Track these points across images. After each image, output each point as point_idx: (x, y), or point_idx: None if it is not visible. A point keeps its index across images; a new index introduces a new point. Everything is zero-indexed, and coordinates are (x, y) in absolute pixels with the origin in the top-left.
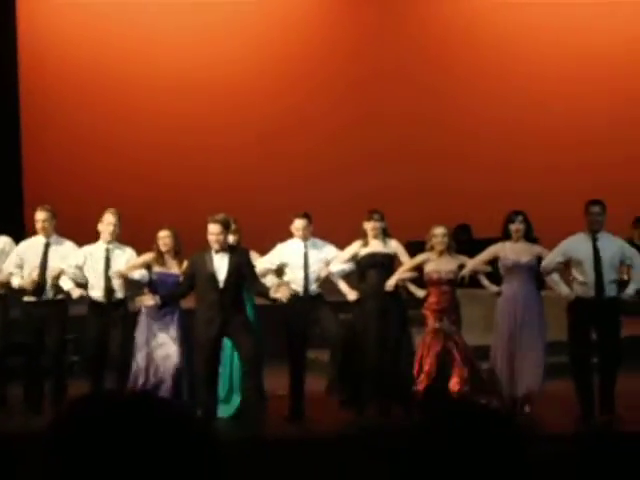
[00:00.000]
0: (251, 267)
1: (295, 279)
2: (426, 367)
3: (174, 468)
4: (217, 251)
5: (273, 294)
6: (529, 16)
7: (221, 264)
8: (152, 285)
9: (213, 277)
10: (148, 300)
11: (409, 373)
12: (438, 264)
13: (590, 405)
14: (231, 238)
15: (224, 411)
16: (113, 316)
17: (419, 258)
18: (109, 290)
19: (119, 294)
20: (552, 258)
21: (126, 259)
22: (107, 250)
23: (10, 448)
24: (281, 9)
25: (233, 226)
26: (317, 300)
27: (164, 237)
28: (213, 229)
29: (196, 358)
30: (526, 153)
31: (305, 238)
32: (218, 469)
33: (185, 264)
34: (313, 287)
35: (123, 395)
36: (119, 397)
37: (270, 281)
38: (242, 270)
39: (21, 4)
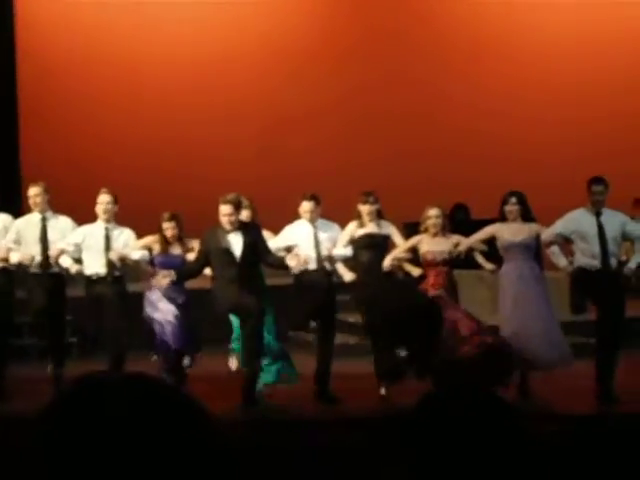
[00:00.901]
0: (263, 241)
1: (308, 259)
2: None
3: (172, 451)
4: (230, 230)
5: (288, 261)
6: (534, 13)
7: (235, 241)
8: (153, 266)
9: (229, 253)
10: (164, 279)
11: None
12: (432, 245)
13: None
14: (245, 214)
15: (265, 378)
16: (110, 292)
17: (413, 240)
18: (111, 265)
19: (117, 272)
20: (552, 231)
21: (124, 239)
22: (107, 229)
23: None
24: (288, 3)
25: (245, 202)
26: (332, 277)
27: (169, 229)
28: (225, 210)
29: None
30: (529, 147)
31: (313, 220)
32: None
33: (190, 244)
34: (327, 264)
35: (120, 376)
36: (116, 378)
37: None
38: (257, 245)
39: None
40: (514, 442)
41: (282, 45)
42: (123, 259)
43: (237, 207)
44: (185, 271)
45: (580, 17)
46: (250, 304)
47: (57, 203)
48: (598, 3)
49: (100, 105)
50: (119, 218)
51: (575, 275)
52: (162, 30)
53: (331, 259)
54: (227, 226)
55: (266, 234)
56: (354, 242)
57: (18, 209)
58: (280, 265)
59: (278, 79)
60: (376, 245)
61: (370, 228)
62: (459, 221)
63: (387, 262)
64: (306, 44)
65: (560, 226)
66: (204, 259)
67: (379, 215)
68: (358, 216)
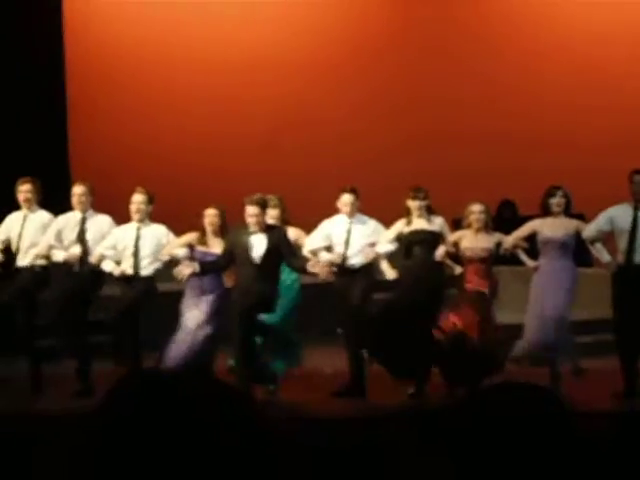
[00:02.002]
0: (288, 244)
1: (336, 252)
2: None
3: (224, 448)
4: (256, 231)
5: (310, 269)
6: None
7: (259, 242)
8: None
9: (249, 254)
10: (186, 269)
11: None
12: (473, 241)
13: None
14: (273, 213)
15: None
16: (139, 290)
17: (456, 234)
18: (136, 266)
19: (146, 271)
20: (595, 226)
21: (157, 237)
22: (138, 228)
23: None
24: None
25: (275, 200)
26: (357, 274)
27: (211, 215)
28: (251, 210)
29: (231, 328)
30: (574, 130)
31: (351, 214)
32: (268, 448)
33: None
34: (353, 262)
35: (174, 374)
36: (168, 375)
37: (323, 258)
38: (280, 249)
39: None
40: (566, 438)
41: (322, 34)
42: (171, 255)
43: (263, 208)
44: (209, 264)
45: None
46: (241, 307)
47: (106, 201)
48: None
49: (150, 104)
50: (168, 214)
51: (613, 275)
52: (208, 25)
53: (368, 255)
54: (253, 227)
55: (299, 233)
56: (404, 238)
57: (66, 206)
58: (304, 271)
59: (315, 72)
60: (426, 241)
61: (420, 224)
62: (506, 218)
63: (440, 251)
64: (347, 35)
65: (601, 221)
66: (229, 255)
67: (429, 210)
68: (407, 213)
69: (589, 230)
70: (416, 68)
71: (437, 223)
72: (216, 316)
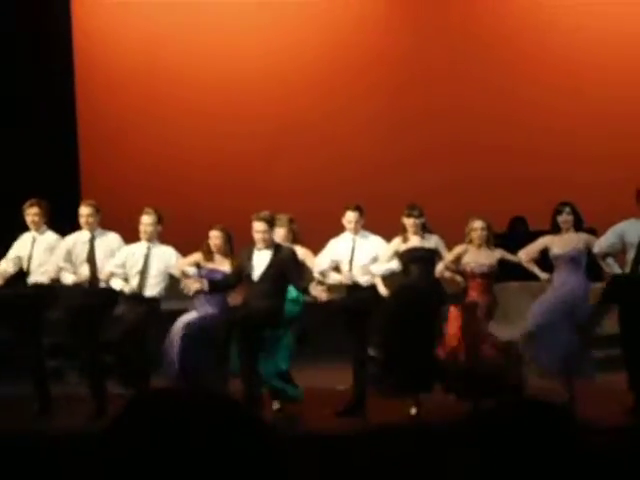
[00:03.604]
0: (295, 265)
1: (344, 273)
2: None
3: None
4: (261, 248)
5: (312, 292)
6: (595, 11)
7: (262, 259)
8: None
9: (251, 270)
10: (194, 284)
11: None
12: (474, 257)
13: None
14: (281, 232)
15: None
16: (143, 311)
17: (458, 249)
18: (142, 285)
19: (151, 291)
20: (605, 241)
21: (165, 259)
22: (148, 248)
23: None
24: (336, 4)
25: (283, 220)
26: (365, 292)
27: (214, 237)
28: (258, 227)
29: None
30: (585, 143)
31: (355, 231)
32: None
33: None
34: (360, 280)
35: (183, 393)
36: (179, 395)
37: (332, 279)
38: (283, 268)
39: (75, 4)
40: (574, 453)
41: (336, 48)
42: (182, 273)
43: (270, 225)
44: (218, 282)
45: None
46: (242, 324)
47: (115, 218)
48: None
49: (159, 122)
50: (177, 231)
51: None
52: (210, 47)
53: (367, 271)
54: (260, 243)
55: (306, 252)
56: (399, 256)
57: (77, 224)
58: (308, 293)
59: (330, 83)
60: (422, 259)
61: (415, 242)
62: (518, 233)
63: (440, 269)
64: (366, 47)
65: (612, 235)
66: (239, 275)
67: (425, 229)
68: (403, 230)
69: (599, 245)
70: (425, 82)
71: (432, 241)
72: (208, 321)
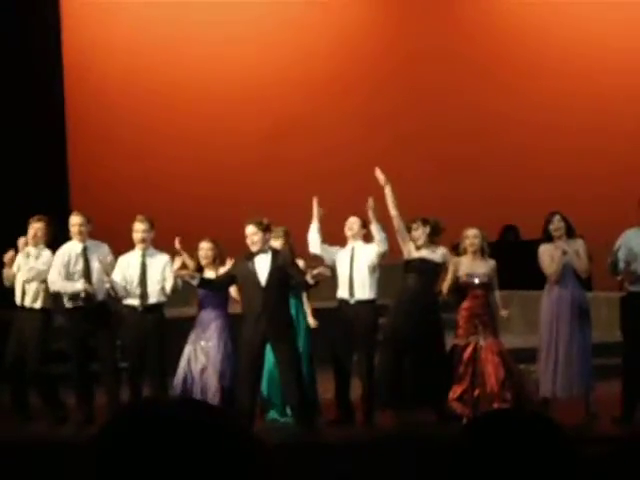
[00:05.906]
0: (295, 266)
1: (342, 285)
2: (462, 383)
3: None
4: (256, 252)
5: (310, 280)
6: (586, 28)
7: (262, 264)
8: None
9: (255, 277)
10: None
11: (441, 379)
12: (469, 267)
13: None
14: (276, 244)
15: (272, 414)
16: (148, 322)
17: (452, 265)
18: (143, 296)
19: (153, 299)
20: (621, 256)
21: (162, 265)
22: (143, 256)
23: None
24: (335, 6)
25: (279, 232)
26: (361, 306)
27: (204, 249)
28: (248, 230)
29: (240, 357)
30: (584, 160)
31: (354, 239)
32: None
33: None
34: (358, 293)
35: (172, 403)
36: (168, 405)
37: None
38: (285, 270)
39: (65, 7)
40: (566, 465)
41: (331, 65)
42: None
43: (261, 228)
44: (208, 280)
45: (631, 31)
46: (254, 336)
47: (105, 229)
48: None
49: (149, 131)
50: (168, 242)
51: (622, 300)
52: (208, 45)
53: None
54: (252, 247)
55: (302, 264)
56: (408, 262)
57: (66, 236)
58: (307, 285)
59: (325, 98)
60: (421, 270)
61: (423, 253)
62: (509, 242)
63: (444, 290)
64: (359, 60)
65: (620, 248)
66: (229, 279)
67: (432, 241)
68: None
69: (619, 265)
70: (420, 99)
71: (439, 253)
72: (226, 351)
